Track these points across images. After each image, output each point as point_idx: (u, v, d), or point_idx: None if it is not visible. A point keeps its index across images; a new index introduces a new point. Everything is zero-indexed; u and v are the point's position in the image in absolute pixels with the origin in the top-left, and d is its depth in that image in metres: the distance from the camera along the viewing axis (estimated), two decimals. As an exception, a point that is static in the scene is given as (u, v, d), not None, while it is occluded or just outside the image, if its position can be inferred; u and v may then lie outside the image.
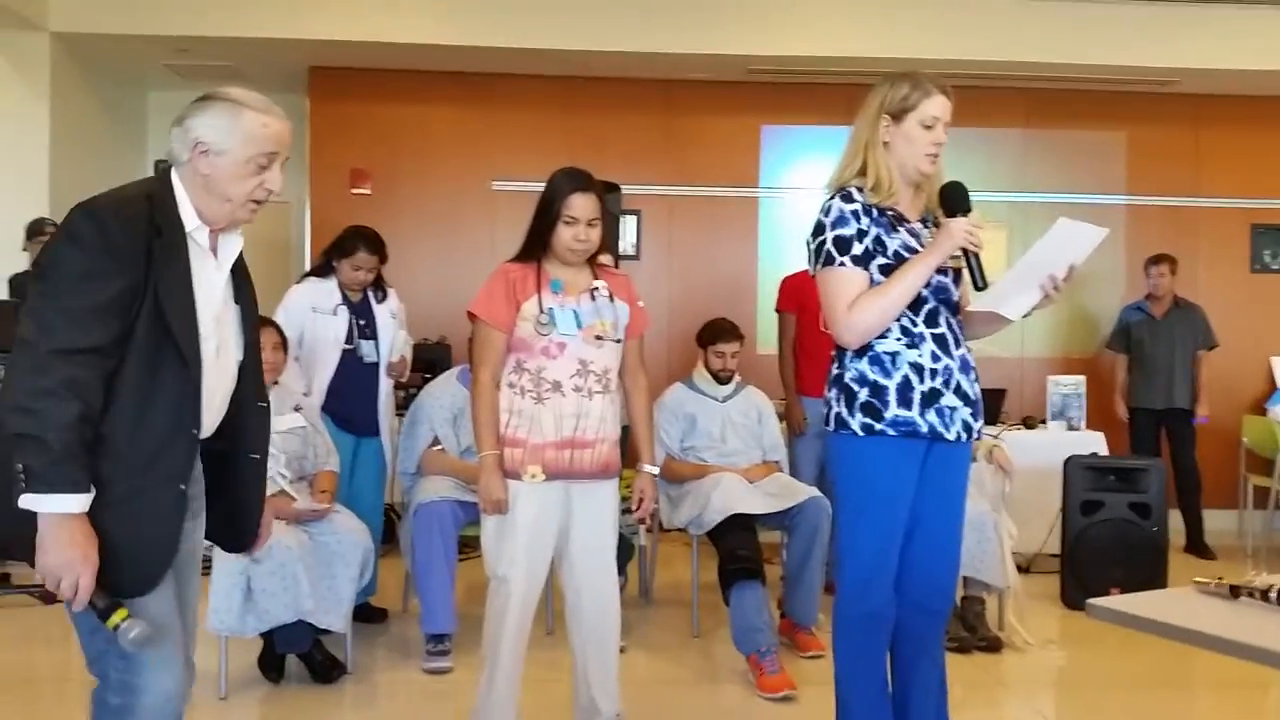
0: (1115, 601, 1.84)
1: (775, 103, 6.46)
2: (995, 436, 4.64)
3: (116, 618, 1.74)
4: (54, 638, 4.12)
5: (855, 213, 2.39)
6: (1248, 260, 6.73)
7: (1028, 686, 3.84)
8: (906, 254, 2.39)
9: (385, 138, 6.41)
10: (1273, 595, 1.78)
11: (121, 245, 1.75)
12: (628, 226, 6.39)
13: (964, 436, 2.44)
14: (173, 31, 5.75)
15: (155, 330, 1.79)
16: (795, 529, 3.97)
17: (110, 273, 1.74)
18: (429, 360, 5.47)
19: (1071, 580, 4.66)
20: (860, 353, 2.41)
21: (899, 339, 2.40)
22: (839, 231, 2.39)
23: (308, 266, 5.38)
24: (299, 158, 6.05)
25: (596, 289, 2.84)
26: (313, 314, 4.14)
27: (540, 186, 2.84)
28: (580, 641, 2.87)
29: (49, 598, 4.41)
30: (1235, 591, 1.83)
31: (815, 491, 4.04)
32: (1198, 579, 1.92)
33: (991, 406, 5.38)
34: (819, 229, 2.43)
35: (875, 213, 2.41)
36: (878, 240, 2.39)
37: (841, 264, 2.38)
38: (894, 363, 2.39)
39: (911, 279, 2.35)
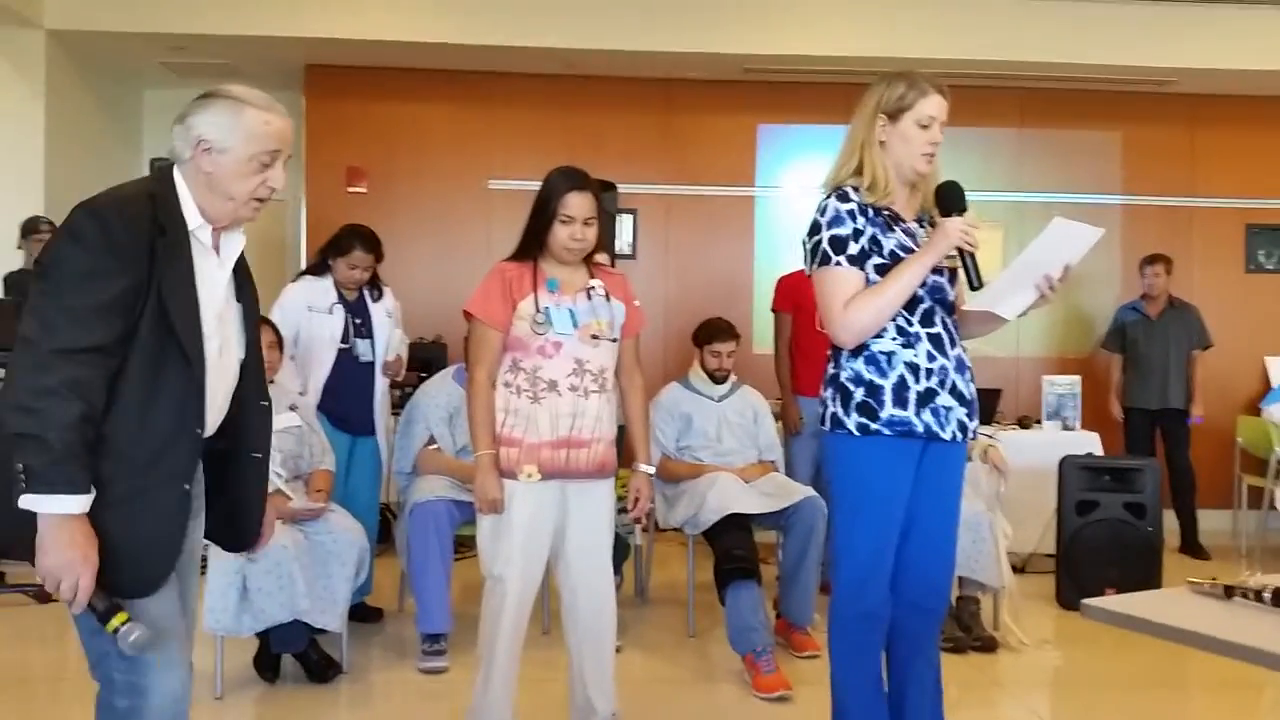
0: (1110, 602, 1.84)
1: (772, 102, 6.46)
2: (990, 436, 4.64)
3: (116, 621, 1.73)
4: (49, 637, 4.12)
5: (851, 212, 2.39)
6: (1242, 260, 6.75)
7: (1023, 686, 3.84)
8: (902, 254, 2.40)
9: (381, 136, 6.41)
10: (1266, 595, 1.78)
11: (125, 244, 1.75)
12: (624, 225, 6.39)
13: (959, 436, 2.44)
14: (169, 29, 5.74)
15: (158, 329, 1.78)
16: (791, 529, 3.97)
17: (113, 272, 1.73)
18: (425, 359, 5.47)
19: (1066, 580, 4.67)
20: (856, 352, 2.41)
21: (895, 339, 2.40)
22: (835, 231, 2.39)
23: (303, 265, 5.37)
24: (295, 156, 6.01)
25: (593, 288, 2.84)
26: (308, 313, 4.13)
27: (537, 185, 2.84)
28: (576, 641, 2.87)
29: (44, 597, 4.40)
30: (1229, 592, 1.84)
31: (811, 491, 4.05)
32: (1192, 579, 1.93)
33: (987, 406, 5.38)
34: (815, 228, 2.43)
35: (871, 212, 2.41)
36: (873, 240, 2.40)
37: (837, 263, 2.38)
38: (890, 362, 2.39)
39: (907, 279, 2.35)
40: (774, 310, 4.91)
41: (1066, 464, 4.78)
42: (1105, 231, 2.41)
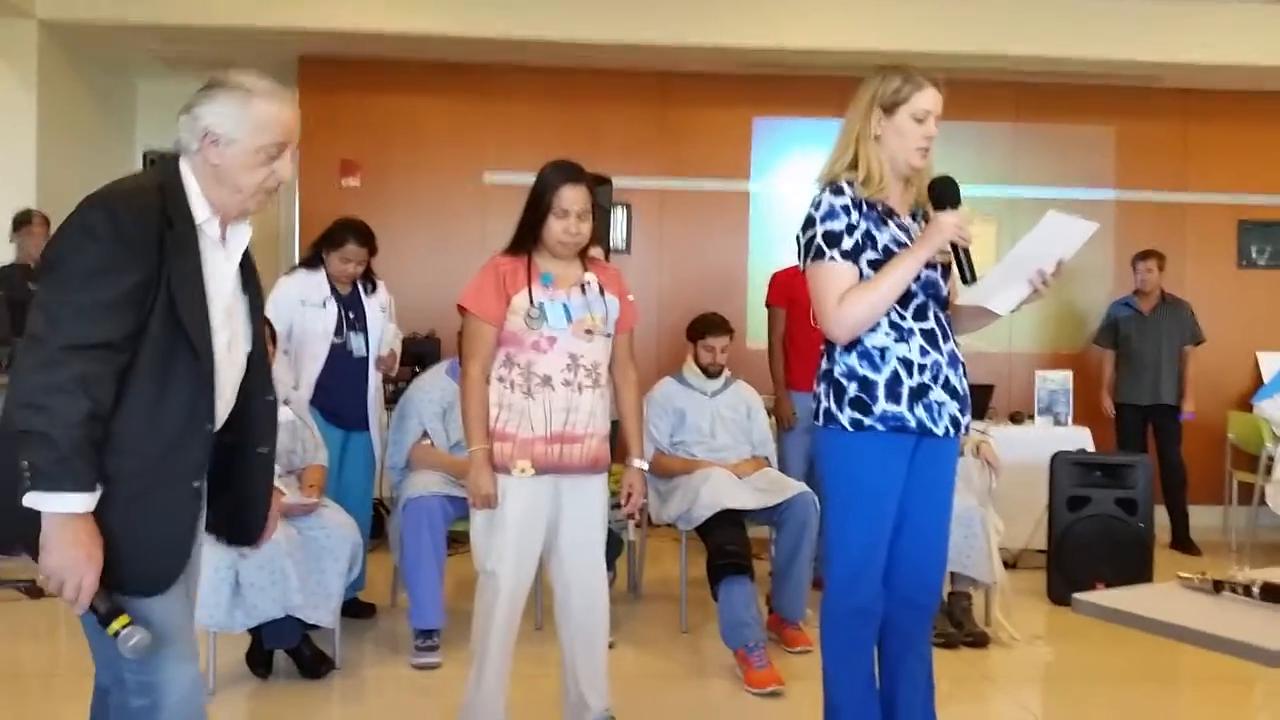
0: (1100, 596, 1.85)
1: (767, 95, 6.45)
2: (983, 432, 4.65)
3: (117, 624, 1.70)
4: (41, 632, 4.11)
5: (845, 207, 2.39)
6: (1235, 256, 6.76)
7: (1014, 681, 3.85)
8: (896, 248, 2.40)
9: (375, 128, 6.39)
10: (1255, 590, 1.79)
11: (134, 237, 1.72)
12: (618, 219, 6.38)
13: (952, 431, 2.45)
14: (162, 20, 5.71)
15: (168, 324, 1.76)
16: (784, 524, 3.98)
17: (124, 266, 1.71)
18: (418, 354, 5.46)
19: (1057, 576, 4.68)
20: (849, 347, 2.41)
21: (888, 334, 2.40)
22: (828, 226, 2.39)
23: (296, 259, 5.36)
24: (288, 149, 6.00)
25: (587, 283, 2.83)
26: (301, 307, 4.12)
27: (532, 179, 2.83)
28: (569, 637, 2.88)
29: (35, 592, 4.39)
30: (1218, 586, 1.85)
31: (804, 487, 4.05)
32: (1181, 573, 1.94)
33: (979, 401, 5.40)
34: (809, 223, 2.43)
35: (865, 206, 2.41)
36: (867, 234, 2.39)
37: (831, 258, 2.38)
38: (883, 357, 2.39)
39: (901, 273, 2.35)
40: (768, 305, 4.91)
41: (1058, 460, 4.80)
42: (1099, 226, 2.41)
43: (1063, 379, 5.65)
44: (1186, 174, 6.71)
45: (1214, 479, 6.26)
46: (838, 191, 2.41)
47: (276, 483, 3.48)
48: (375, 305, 4.27)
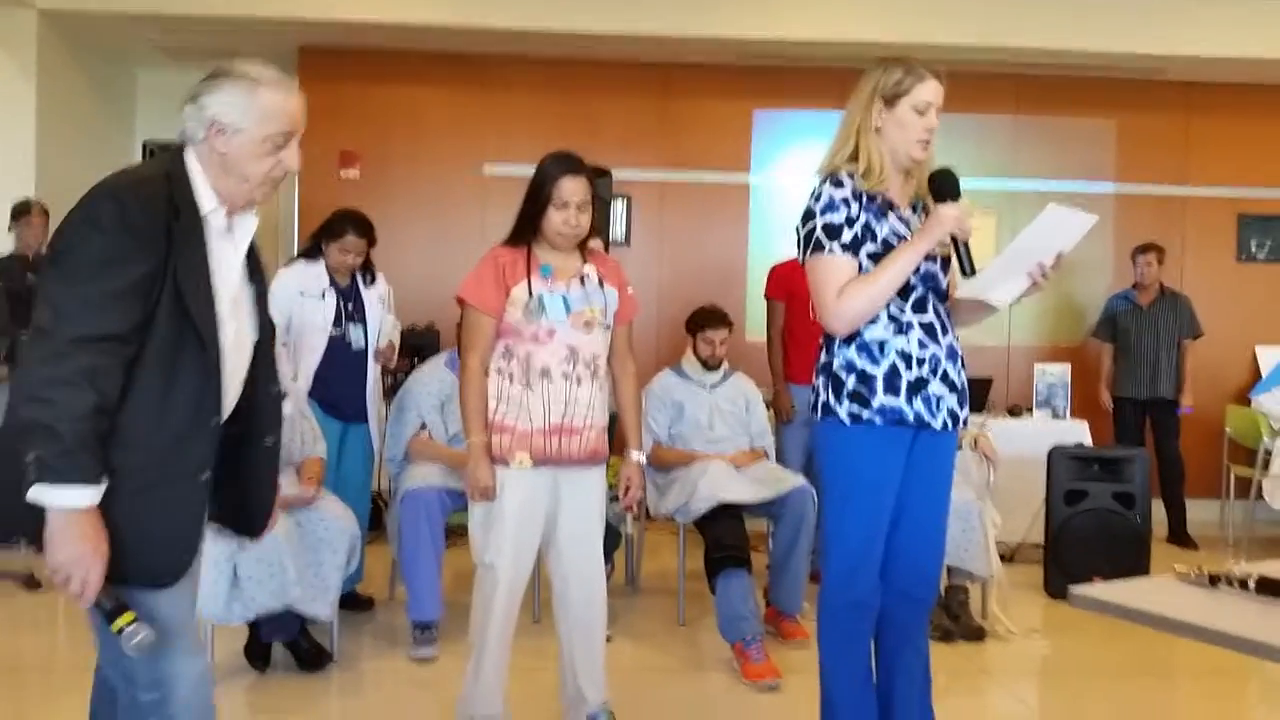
0: (1097, 590, 1.85)
1: (767, 87, 6.44)
2: (981, 425, 4.65)
3: (122, 621, 1.69)
4: (39, 624, 4.12)
5: (845, 199, 2.39)
6: (1234, 249, 6.75)
7: (1011, 675, 3.86)
8: (896, 241, 2.39)
9: (375, 119, 6.37)
10: (1251, 584, 1.80)
11: (141, 227, 1.70)
12: (618, 211, 6.37)
13: (950, 425, 2.44)
14: (162, 10, 5.70)
15: (175, 315, 1.74)
16: (781, 517, 3.98)
17: (131, 257, 1.69)
18: (417, 346, 5.46)
19: (1055, 569, 4.69)
20: (848, 340, 2.41)
21: (887, 326, 2.39)
22: (828, 218, 2.38)
23: (295, 250, 5.35)
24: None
25: (586, 274, 2.83)
26: (300, 298, 4.11)
27: (532, 170, 2.83)
28: (567, 629, 2.88)
29: (32, 584, 4.39)
30: (1214, 580, 1.85)
31: (802, 480, 4.06)
32: (1177, 567, 1.94)
33: (977, 395, 5.40)
34: (808, 214, 2.42)
35: (865, 198, 2.40)
36: (867, 227, 2.39)
37: (830, 251, 2.38)
38: (882, 350, 2.39)
39: (900, 266, 2.35)
40: (767, 298, 4.91)
41: (1055, 454, 4.80)
42: (1098, 219, 2.41)
43: (1061, 372, 5.65)
44: (1187, 167, 6.70)
45: (1211, 473, 6.26)
46: (838, 184, 2.40)
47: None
48: (374, 297, 4.27)
